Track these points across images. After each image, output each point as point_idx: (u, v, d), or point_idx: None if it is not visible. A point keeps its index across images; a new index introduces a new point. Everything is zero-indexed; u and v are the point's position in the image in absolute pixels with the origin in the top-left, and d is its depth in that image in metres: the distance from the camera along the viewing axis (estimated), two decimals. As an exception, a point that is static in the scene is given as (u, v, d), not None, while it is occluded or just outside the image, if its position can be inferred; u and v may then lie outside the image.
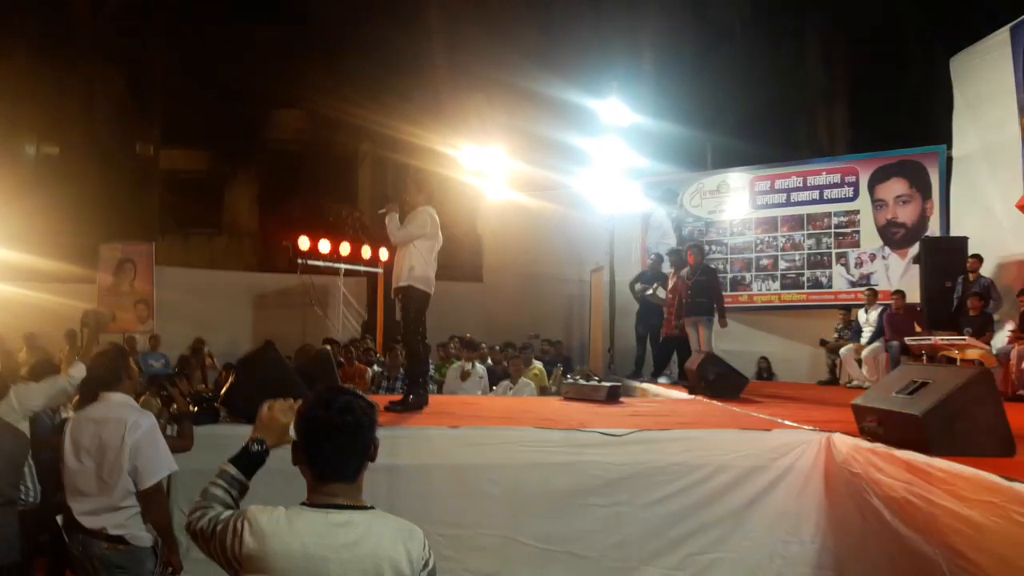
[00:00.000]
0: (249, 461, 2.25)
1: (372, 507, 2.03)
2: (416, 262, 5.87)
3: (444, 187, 16.32)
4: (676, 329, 9.93)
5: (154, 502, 3.58)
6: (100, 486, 3.51)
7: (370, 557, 1.93)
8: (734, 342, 11.29)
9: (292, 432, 2.13)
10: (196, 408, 4.78)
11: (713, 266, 11.15)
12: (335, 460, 2.01)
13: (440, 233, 6.07)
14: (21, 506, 3.86)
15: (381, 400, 6.14)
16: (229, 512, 2.05)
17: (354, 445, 2.03)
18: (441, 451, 4.67)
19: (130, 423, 3.53)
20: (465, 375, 9.07)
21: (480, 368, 9.41)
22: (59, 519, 3.67)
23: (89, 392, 3.91)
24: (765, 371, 12.51)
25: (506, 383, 9.00)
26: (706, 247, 11.86)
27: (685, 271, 9.82)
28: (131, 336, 13.02)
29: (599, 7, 17.91)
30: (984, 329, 8.85)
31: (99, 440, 3.52)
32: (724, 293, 10.63)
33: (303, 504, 2.00)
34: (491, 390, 9.16)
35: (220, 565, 2.02)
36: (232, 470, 2.22)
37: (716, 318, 9.52)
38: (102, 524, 3.49)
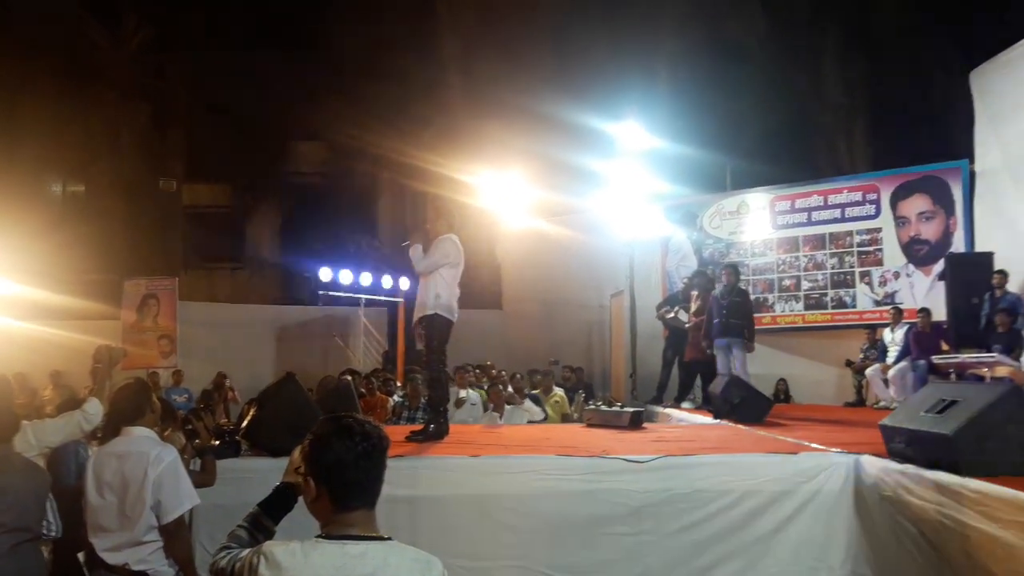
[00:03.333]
0: (277, 504, 2.24)
1: (389, 538, 1.99)
2: (441, 290, 5.88)
3: (462, 214, 16.39)
4: (708, 350, 9.74)
5: (176, 536, 3.55)
6: (122, 521, 3.49)
7: None
8: (758, 364, 11.14)
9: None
10: (218, 442, 4.78)
11: (745, 287, 10.78)
12: (362, 487, 1.99)
13: (462, 259, 6.09)
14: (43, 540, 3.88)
15: (402, 430, 6.13)
16: (248, 551, 2.03)
17: (380, 468, 2.02)
18: (462, 481, 4.63)
19: (152, 457, 3.51)
20: (459, 403, 8.99)
21: (474, 395, 9.36)
22: (81, 556, 3.65)
23: (111, 427, 3.91)
24: (783, 393, 12.33)
25: (493, 414, 8.78)
26: (740, 268, 11.38)
27: (719, 290, 9.66)
28: (154, 371, 13.12)
29: (614, 30, 18.02)
30: (1014, 346, 8.67)
31: (121, 475, 3.50)
32: (747, 314, 10.47)
33: (318, 536, 1.97)
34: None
35: None
36: (259, 513, 2.23)
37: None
38: (124, 560, 3.46)
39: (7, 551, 3.48)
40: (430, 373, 6.28)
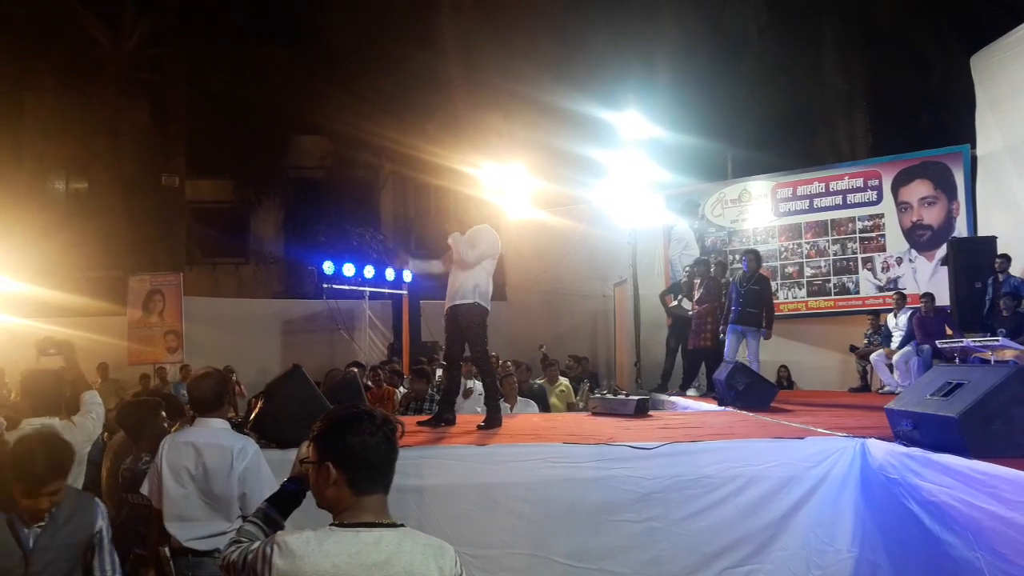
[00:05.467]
0: (285, 500, 2.28)
1: (402, 524, 2.02)
2: (481, 280, 5.93)
3: (465, 206, 16.40)
4: (721, 335, 9.69)
5: None
6: (208, 511, 3.54)
7: (402, 575, 1.92)
8: (762, 351, 11.18)
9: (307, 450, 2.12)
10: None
11: (766, 275, 10.31)
12: (381, 472, 2.03)
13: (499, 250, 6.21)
14: None
15: (410, 421, 6.16)
16: (259, 542, 2.05)
17: (396, 454, 2.06)
18: (469, 470, 4.65)
19: (236, 450, 3.57)
20: (467, 393, 9.00)
21: (479, 385, 9.36)
22: (166, 551, 3.64)
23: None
24: (785, 379, 12.33)
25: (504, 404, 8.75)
26: (761, 254, 10.94)
27: (738, 277, 9.62)
28: (162, 367, 13.16)
29: (614, 19, 17.96)
30: (1020, 329, 8.68)
31: (203, 466, 3.54)
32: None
33: (332, 525, 1.99)
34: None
35: None
36: (268, 508, 2.26)
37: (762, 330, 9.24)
38: (215, 546, 3.50)
39: None
40: (478, 364, 6.32)
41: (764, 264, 13.07)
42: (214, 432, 3.65)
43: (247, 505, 3.53)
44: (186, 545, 3.51)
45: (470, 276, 5.92)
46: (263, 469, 3.64)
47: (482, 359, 6.16)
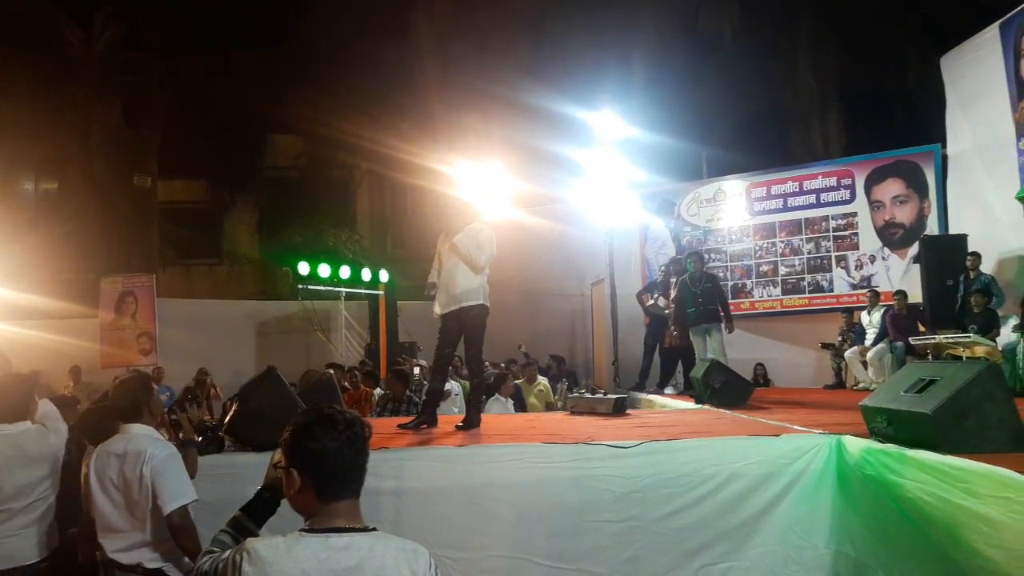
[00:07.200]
0: (259, 509, 2.26)
1: (374, 528, 1.99)
2: (485, 281, 5.95)
3: (441, 205, 16.38)
4: (682, 340, 9.86)
5: (183, 529, 3.47)
6: (131, 522, 3.47)
7: None
8: (736, 349, 11.26)
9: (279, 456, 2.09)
10: (200, 438, 4.74)
11: (713, 272, 10.95)
12: (348, 477, 2.00)
13: None
14: None
15: (387, 423, 6.12)
16: (230, 551, 2.02)
17: (364, 457, 2.03)
18: (447, 471, 4.61)
19: (147, 454, 3.47)
20: (445, 394, 8.97)
21: (455, 386, 9.34)
22: (99, 555, 3.60)
23: (107, 425, 3.86)
24: (761, 377, 12.44)
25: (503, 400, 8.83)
26: (705, 254, 11.75)
27: (688, 279, 9.76)
28: (135, 369, 12.99)
29: (590, 20, 18.01)
30: (990, 326, 8.80)
31: (123, 475, 3.47)
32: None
33: (302, 531, 1.96)
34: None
35: None
36: (242, 518, 2.24)
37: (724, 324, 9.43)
38: (138, 559, 3.44)
39: None
40: (472, 365, 6.33)
41: (739, 263, 13.27)
42: (132, 438, 3.56)
43: (163, 509, 3.44)
44: (111, 557, 3.44)
45: (477, 278, 5.90)
46: (174, 472, 3.53)
47: (478, 360, 6.18)
